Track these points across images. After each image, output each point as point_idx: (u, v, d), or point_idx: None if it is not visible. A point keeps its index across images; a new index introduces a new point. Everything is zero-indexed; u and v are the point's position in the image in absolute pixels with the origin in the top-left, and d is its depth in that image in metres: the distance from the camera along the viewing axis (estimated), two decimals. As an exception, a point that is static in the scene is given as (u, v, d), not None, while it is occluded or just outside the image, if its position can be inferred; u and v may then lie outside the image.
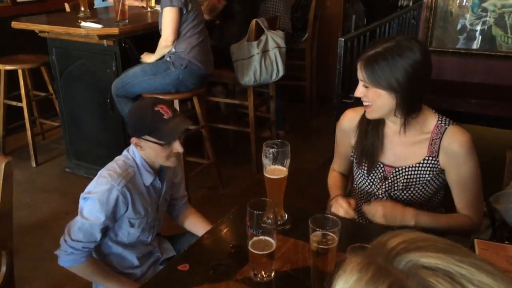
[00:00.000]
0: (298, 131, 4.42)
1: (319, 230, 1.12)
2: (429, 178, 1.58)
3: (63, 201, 3.17)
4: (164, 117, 1.62)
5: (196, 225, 1.96)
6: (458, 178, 1.56)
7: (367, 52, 1.47)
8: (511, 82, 4.44)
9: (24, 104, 3.58)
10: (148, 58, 2.99)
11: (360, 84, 1.50)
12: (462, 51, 4.59)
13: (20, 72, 3.52)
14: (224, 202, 3.12)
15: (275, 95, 3.83)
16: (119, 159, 1.70)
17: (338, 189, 1.77)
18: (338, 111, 2.85)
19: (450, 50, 4.63)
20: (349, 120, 1.71)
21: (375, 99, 1.49)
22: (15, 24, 3.16)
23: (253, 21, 3.32)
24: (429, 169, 1.57)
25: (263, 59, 3.33)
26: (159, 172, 1.75)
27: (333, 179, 1.83)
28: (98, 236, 1.63)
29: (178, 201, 1.96)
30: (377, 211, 1.50)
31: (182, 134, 1.69)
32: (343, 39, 2.74)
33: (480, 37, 4.45)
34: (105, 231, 1.66)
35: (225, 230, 1.49)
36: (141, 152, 1.68)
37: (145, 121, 1.63)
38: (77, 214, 1.64)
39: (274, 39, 3.39)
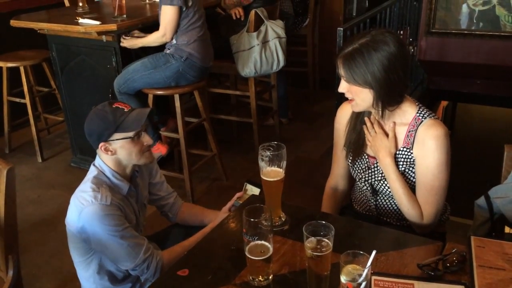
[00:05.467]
0: (301, 118, 4.42)
1: (313, 237, 1.14)
2: (402, 169, 1.61)
3: (69, 197, 3.19)
4: (125, 110, 1.63)
5: (198, 215, 1.98)
6: (421, 170, 1.57)
7: (345, 49, 1.52)
8: (516, 62, 4.39)
9: (27, 100, 3.61)
10: (128, 43, 2.94)
11: (342, 80, 1.54)
12: (465, 32, 4.53)
13: (22, 69, 3.54)
14: (228, 194, 3.11)
15: (280, 83, 3.84)
16: (88, 179, 1.65)
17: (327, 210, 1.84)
18: (339, 100, 2.86)
19: (454, 31, 4.57)
20: (344, 112, 1.75)
21: (358, 93, 1.54)
22: (14, 23, 3.17)
23: (252, 12, 3.30)
24: (402, 160, 1.60)
25: (263, 50, 3.31)
26: (130, 179, 1.74)
27: (324, 200, 1.87)
28: (139, 234, 1.65)
29: (165, 200, 1.95)
30: (372, 137, 1.62)
31: (147, 125, 1.69)
32: (342, 29, 2.71)
33: (484, 17, 4.38)
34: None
35: (225, 232, 1.51)
36: (112, 157, 1.64)
37: (108, 120, 1.60)
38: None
39: (274, 29, 3.37)
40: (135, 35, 3.01)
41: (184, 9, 2.78)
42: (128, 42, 2.97)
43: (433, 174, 1.55)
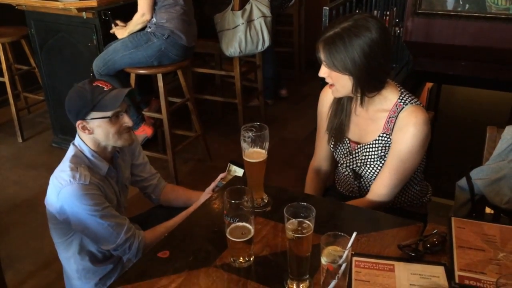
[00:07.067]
0: (287, 99, 4.40)
1: (294, 219, 1.13)
2: (382, 154, 1.60)
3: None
4: (105, 89, 1.60)
5: (181, 197, 1.96)
6: (392, 153, 1.56)
7: (326, 33, 1.48)
8: (501, 43, 4.40)
9: (6, 78, 3.52)
10: (120, 33, 2.90)
11: (323, 64, 1.51)
12: (451, 13, 4.51)
13: (-1, 46, 3.44)
14: (212, 174, 3.08)
15: (267, 63, 3.80)
16: (67, 158, 1.63)
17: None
18: (324, 82, 2.84)
19: (440, 12, 4.55)
20: (328, 95, 1.72)
21: (338, 79, 1.51)
22: (-10, -2, 3.08)
23: (237, -11, 3.24)
24: (382, 145, 1.60)
25: (248, 29, 3.26)
26: (111, 160, 1.72)
27: (307, 181, 1.85)
28: (119, 214, 1.64)
29: (148, 181, 1.94)
30: None
31: (128, 106, 1.66)
32: (327, 8, 2.68)
33: (470, -2, 4.37)
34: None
35: (206, 214, 1.50)
36: (90, 136, 1.62)
37: (86, 98, 1.57)
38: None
39: (259, 8, 3.31)
40: (120, 24, 2.93)
41: None
42: (119, 33, 2.90)
43: (402, 159, 1.54)
